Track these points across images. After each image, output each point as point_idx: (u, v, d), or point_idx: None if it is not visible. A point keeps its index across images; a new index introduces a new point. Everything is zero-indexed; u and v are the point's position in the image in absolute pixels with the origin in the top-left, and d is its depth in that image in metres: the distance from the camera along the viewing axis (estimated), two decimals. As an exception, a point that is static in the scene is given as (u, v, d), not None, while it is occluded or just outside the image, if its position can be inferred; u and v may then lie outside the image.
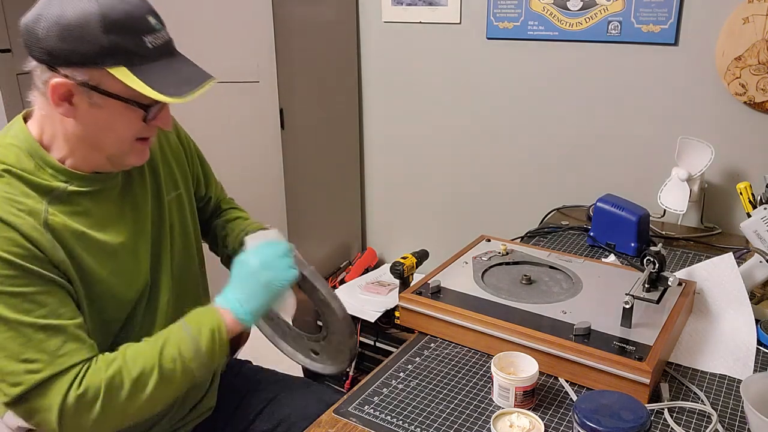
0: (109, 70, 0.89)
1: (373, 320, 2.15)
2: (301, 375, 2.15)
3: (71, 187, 0.97)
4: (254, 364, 1.42)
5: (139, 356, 0.95)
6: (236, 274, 1.05)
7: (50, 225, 0.93)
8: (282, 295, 1.05)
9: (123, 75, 0.89)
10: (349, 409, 1.07)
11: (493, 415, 0.99)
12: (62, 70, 0.89)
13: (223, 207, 1.36)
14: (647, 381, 1.04)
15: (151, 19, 0.92)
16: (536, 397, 1.08)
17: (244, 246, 1.10)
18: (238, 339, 1.45)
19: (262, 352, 1.42)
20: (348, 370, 1.12)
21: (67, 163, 0.98)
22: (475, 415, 1.05)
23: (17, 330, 0.88)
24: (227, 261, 1.30)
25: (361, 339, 2.27)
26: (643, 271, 1.26)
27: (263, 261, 1.04)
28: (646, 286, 1.25)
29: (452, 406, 1.08)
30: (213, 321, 1.00)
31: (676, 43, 1.83)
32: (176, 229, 1.15)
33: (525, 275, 1.36)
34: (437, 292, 1.30)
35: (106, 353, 0.96)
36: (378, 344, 2.24)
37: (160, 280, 1.11)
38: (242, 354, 1.58)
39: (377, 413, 1.06)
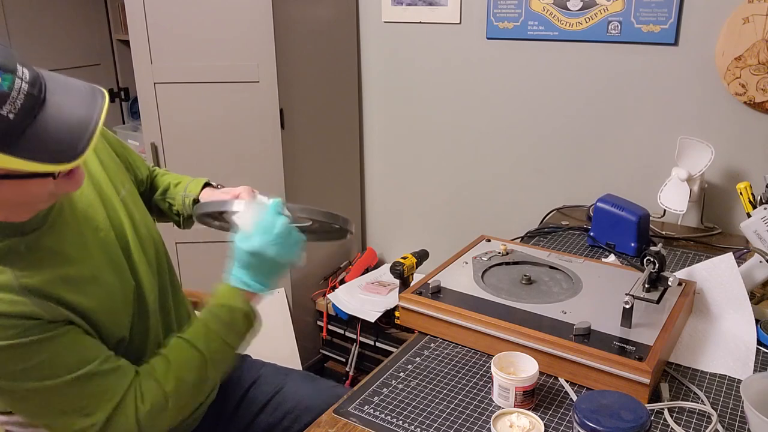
0: None
1: (373, 320, 2.16)
2: (300, 368, 2.16)
3: (24, 238, 0.91)
4: (253, 358, 1.43)
5: (187, 361, 1.01)
6: (242, 259, 1.04)
7: (27, 287, 0.89)
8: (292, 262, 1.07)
9: (5, 162, 0.75)
10: (349, 409, 1.07)
11: (493, 415, 0.99)
12: None
13: (154, 177, 1.35)
14: (647, 381, 1.04)
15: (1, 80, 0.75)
16: (536, 397, 1.08)
17: (235, 222, 1.06)
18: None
19: (256, 347, 1.42)
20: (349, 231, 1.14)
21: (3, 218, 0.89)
22: (475, 415, 1.05)
23: (51, 393, 0.90)
24: (184, 222, 1.31)
25: (361, 339, 2.27)
26: (643, 271, 1.26)
27: (264, 243, 1.02)
28: (646, 286, 1.24)
29: (452, 406, 1.08)
30: (242, 305, 1.05)
31: (676, 43, 1.83)
32: (138, 222, 1.12)
33: (525, 275, 1.36)
34: (437, 292, 1.30)
35: (154, 363, 1.00)
36: (378, 344, 2.24)
37: (141, 279, 1.09)
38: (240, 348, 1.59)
39: (377, 413, 1.06)
